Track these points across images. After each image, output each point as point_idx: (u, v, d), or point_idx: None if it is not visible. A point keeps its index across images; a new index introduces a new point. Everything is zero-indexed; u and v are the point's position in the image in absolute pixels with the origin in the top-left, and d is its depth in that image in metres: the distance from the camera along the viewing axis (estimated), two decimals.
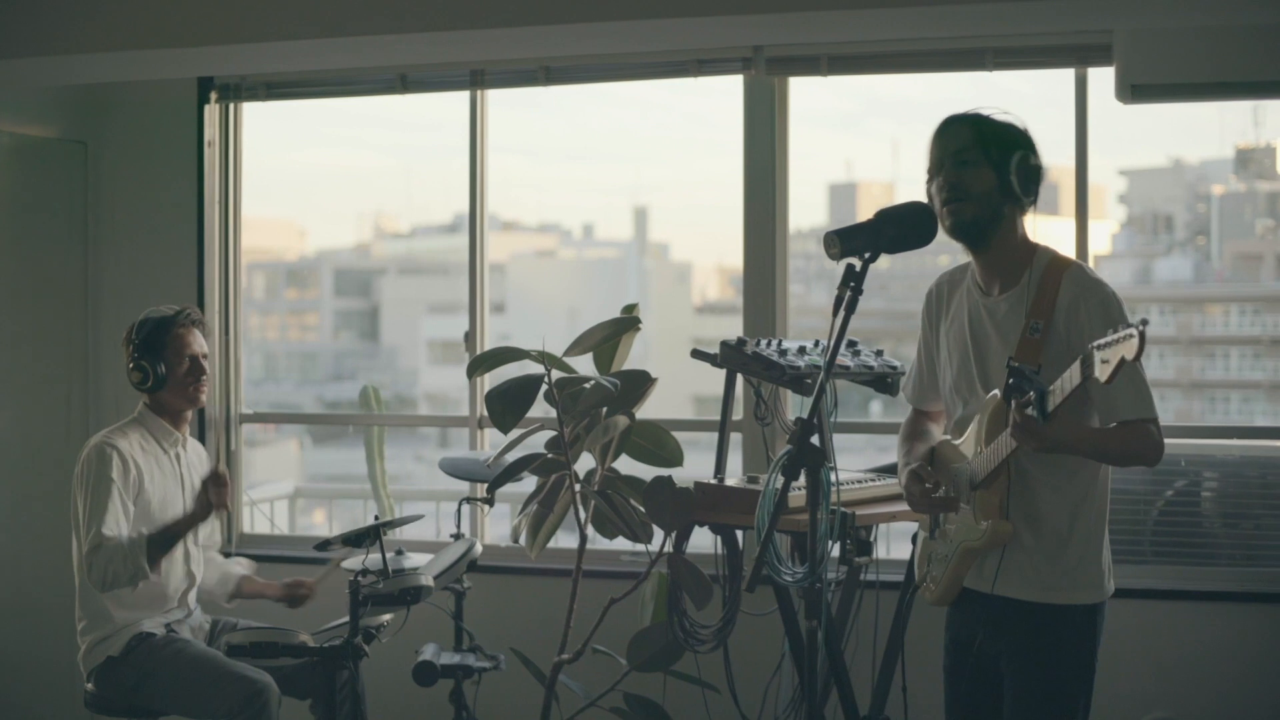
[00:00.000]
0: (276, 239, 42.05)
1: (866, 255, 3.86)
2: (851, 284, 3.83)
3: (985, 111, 4.02)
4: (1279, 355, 35.88)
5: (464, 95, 6.49)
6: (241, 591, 5.79)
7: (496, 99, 6.55)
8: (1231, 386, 36.03)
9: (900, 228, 3.89)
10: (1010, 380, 3.71)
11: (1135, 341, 3.31)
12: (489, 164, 6.51)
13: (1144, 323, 3.37)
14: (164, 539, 5.27)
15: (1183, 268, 37.94)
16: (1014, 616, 3.96)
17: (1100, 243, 36.07)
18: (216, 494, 5.28)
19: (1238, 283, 37.29)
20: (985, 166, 3.93)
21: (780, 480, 3.95)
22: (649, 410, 5.27)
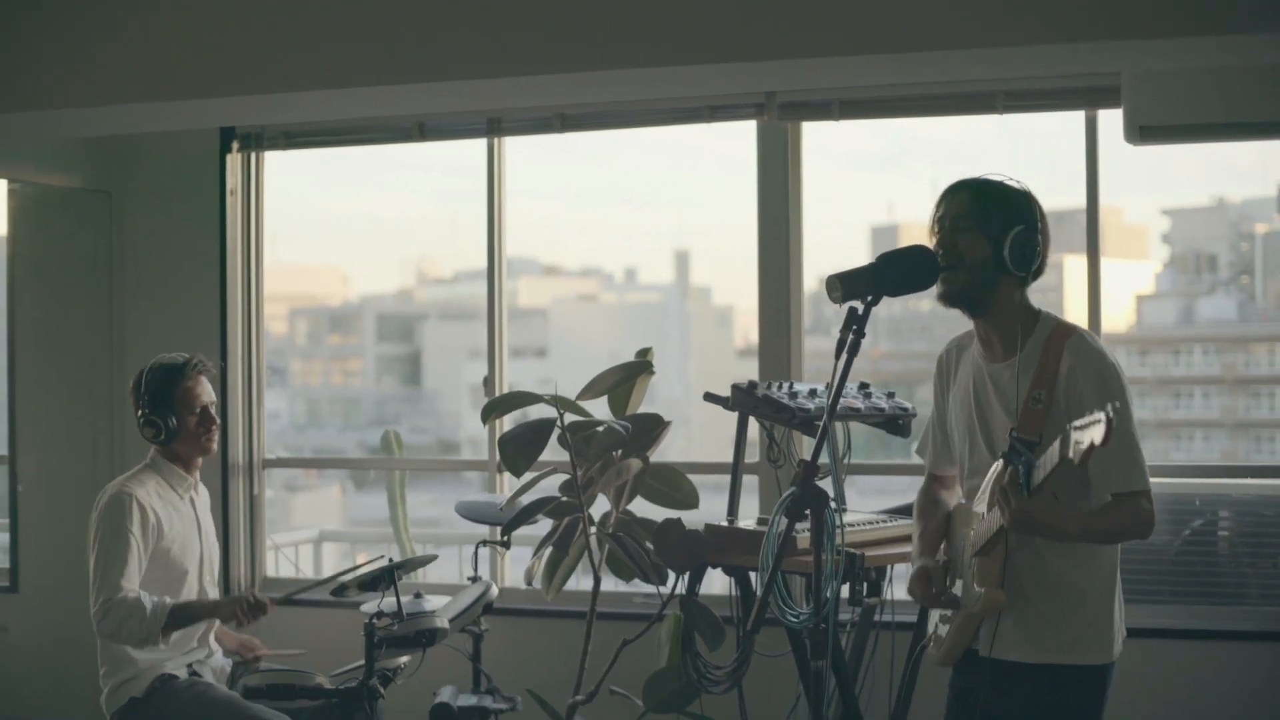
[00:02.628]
0: (320, 285, 42.29)
1: (869, 298, 3.88)
2: (854, 327, 3.84)
3: (994, 178, 4.02)
4: None
5: (481, 143, 6.58)
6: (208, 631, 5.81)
7: (535, 144, 6.66)
8: (1277, 426, 35.82)
9: (902, 271, 3.91)
10: (1007, 453, 3.78)
11: (1102, 428, 3.36)
12: (508, 210, 6.59)
13: (1115, 409, 3.41)
14: (184, 616, 5.29)
15: (1227, 307, 37.77)
16: (1018, 678, 3.94)
17: (1144, 282, 35.95)
18: (247, 616, 5.31)
19: None
20: (980, 236, 3.92)
21: (783, 522, 3.97)
22: (680, 451, 5.32)
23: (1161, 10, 5.12)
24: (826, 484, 4.05)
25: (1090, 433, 3.39)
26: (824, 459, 4.02)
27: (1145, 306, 34.58)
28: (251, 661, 5.64)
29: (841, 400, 4.99)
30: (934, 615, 4.23)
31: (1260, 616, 5.77)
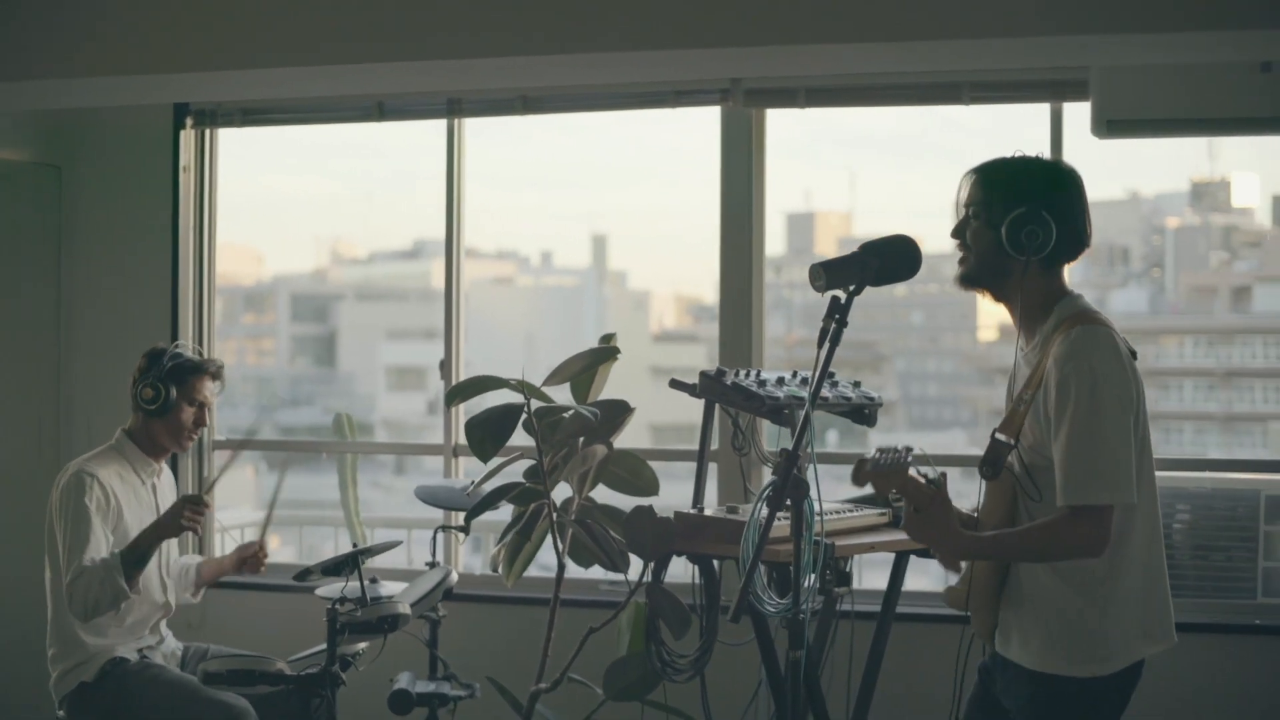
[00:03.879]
0: (235, 264, 41.97)
1: (851, 288, 3.87)
2: (836, 316, 3.83)
3: (1011, 158, 3.93)
4: (1232, 388, 36.12)
5: (431, 123, 6.56)
6: (202, 578, 5.80)
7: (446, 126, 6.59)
8: (1185, 418, 36.23)
9: (885, 260, 3.89)
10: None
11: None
12: (466, 192, 6.52)
13: (934, 481, 3.57)
14: (135, 554, 5.25)
15: (1138, 299, 38.18)
16: (1019, 677, 3.92)
17: None
18: (191, 518, 5.28)
19: (1192, 315, 37.52)
20: (984, 224, 3.87)
21: (765, 511, 3.96)
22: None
23: (1129, 6, 5.16)
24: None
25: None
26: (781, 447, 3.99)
27: None
28: (259, 559, 5.58)
29: (807, 389, 5.01)
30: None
31: (1211, 609, 5.82)
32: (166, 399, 5.43)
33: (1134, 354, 3.84)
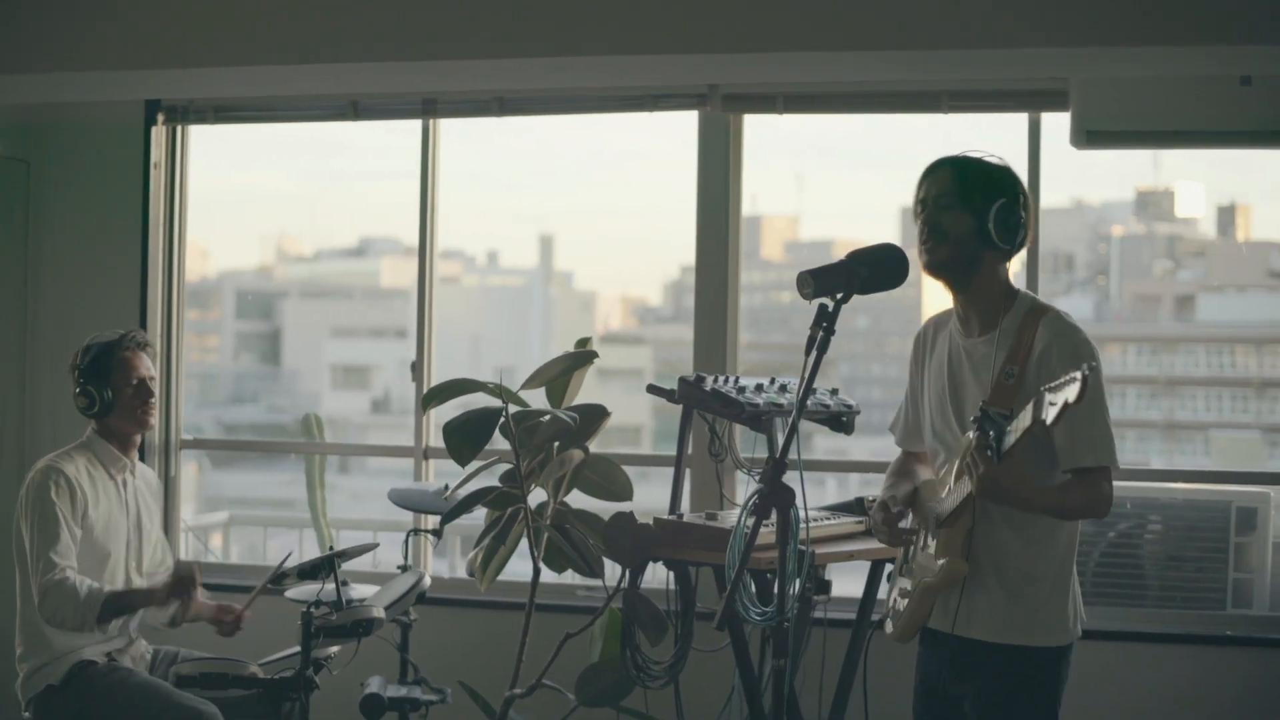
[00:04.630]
0: None
1: (839, 296, 3.89)
2: (824, 324, 3.85)
3: (972, 154, 4.06)
4: (1174, 395, 36.31)
5: (383, 122, 6.54)
6: (184, 613, 5.71)
7: (399, 127, 6.60)
8: (1128, 425, 36.37)
9: (873, 268, 3.94)
10: (975, 421, 3.80)
11: (1077, 386, 3.42)
12: (440, 193, 6.51)
13: (1090, 368, 3.47)
14: (119, 605, 5.23)
15: (1083, 307, 38.33)
16: (976, 657, 4.00)
17: None
18: (185, 594, 5.29)
19: (1136, 323, 37.73)
20: (964, 211, 3.98)
21: (751, 520, 3.96)
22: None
23: (1108, 19, 5.20)
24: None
25: (1065, 392, 3.47)
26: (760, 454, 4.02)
27: None
28: (233, 624, 5.52)
29: (785, 396, 5.03)
30: (892, 591, 4.27)
31: (1182, 620, 5.84)
32: (102, 399, 5.37)
33: None
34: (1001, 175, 4.04)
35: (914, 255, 4.04)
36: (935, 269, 4.04)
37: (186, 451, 6.81)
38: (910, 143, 6.09)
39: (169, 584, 5.31)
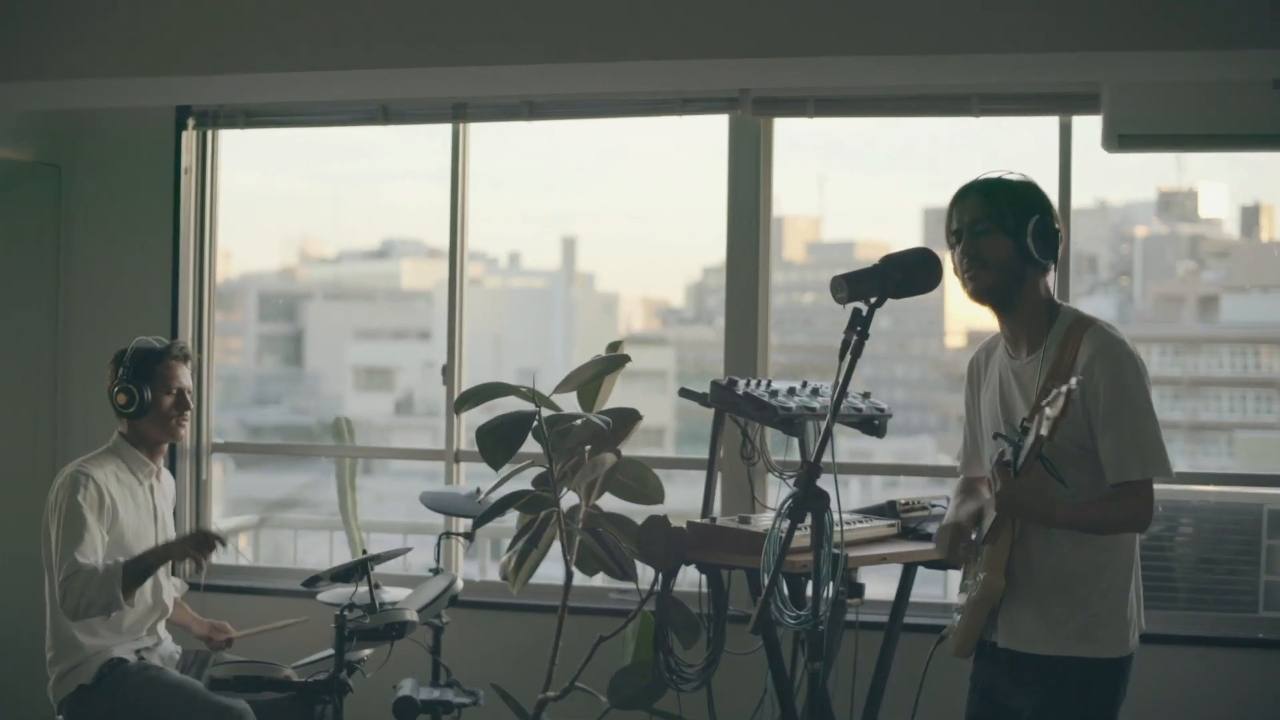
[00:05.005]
0: None
1: (873, 300, 3.90)
2: (858, 328, 3.87)
3: (997, 176, 4.05)
4: (1197, 396, 36.17)
5: (428, 125, 6.56)
6: (170, 616, 5.75)
7: (422, 129, 6.64)
8: None
9: (906, 273, 3.95)
10: (996, 438, 3.91)
11: (1062, 400, 3.51)
12: (470, 197, 6.52)
13: (1077, 381, 3.56)
14: (139, 569, 5.24)
15: (1106, 308, 38.11)
16: (1029, 670, 3.98)
17: None
18: (201, 552, 5.29)
19: (1159, 323, 37.62)
20: (1001, 234, 3.97)
21: (785, 524, 3.97)
22: None
23: (1140, 24, 5.19)
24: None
25: (1054, 406, 3.53)
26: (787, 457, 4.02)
27: None
28: (223, 645, 5.56)
29: (818, 400, 5.03)
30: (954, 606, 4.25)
31: (1214, 622, 5.85)
32: (141, 399, 5.41)
33: None
34: (1028, 191, 4.03)
35: (946, 261, 4.04)
36: (982, 295, 4.03)
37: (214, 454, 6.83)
38: (933, 145, 6.11)
39: (188, 542, 5.34)
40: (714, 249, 6.27)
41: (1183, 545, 5.88)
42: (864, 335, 3.87)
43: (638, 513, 5.13)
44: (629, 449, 5.28)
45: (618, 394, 5.37)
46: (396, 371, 41.92)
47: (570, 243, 45.50)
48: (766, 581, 4.07)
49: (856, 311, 3.89)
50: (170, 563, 5.54)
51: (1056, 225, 4.00)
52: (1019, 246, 3.95)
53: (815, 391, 5.11)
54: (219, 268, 6.82)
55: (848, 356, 3.88)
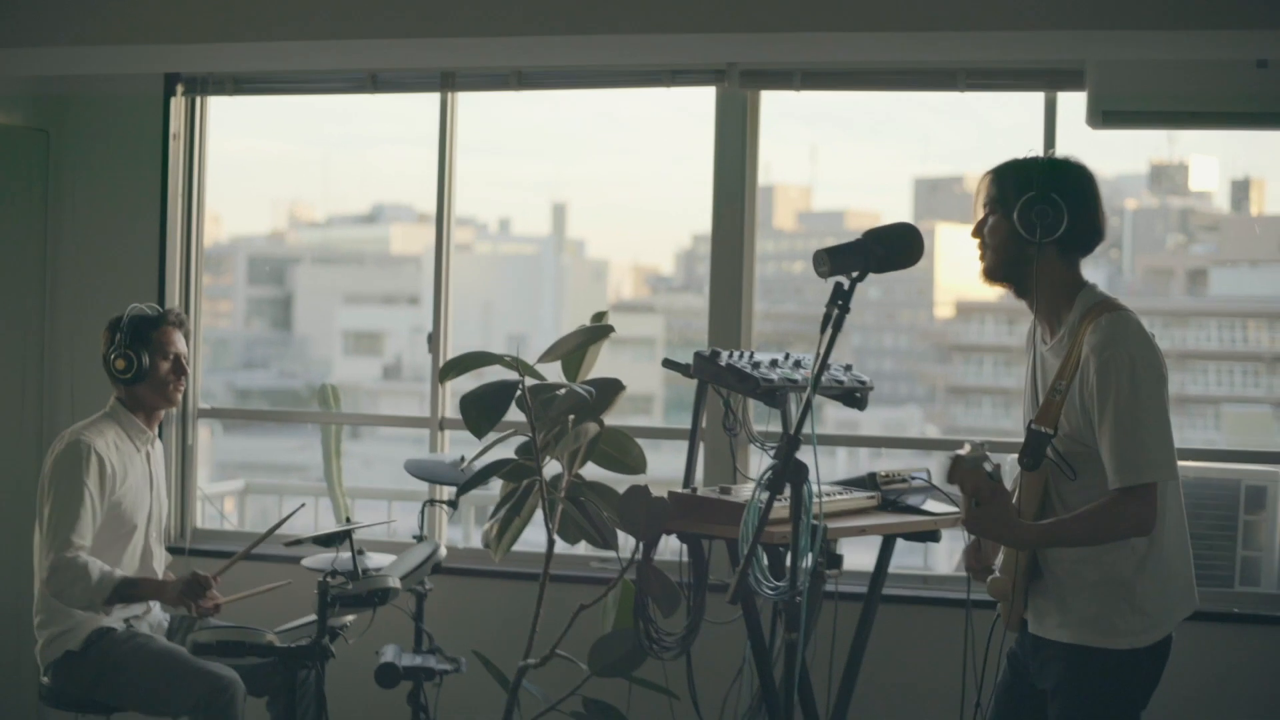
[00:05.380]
0: None
1: (855, 274, 3.93)
2: (839, 302, 3.90)
3: (1021, 157, 4.03)
4: (1185, 369, 36.26)
5: (418, 96, 6.55)
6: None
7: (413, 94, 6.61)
8: None
9: (888, 247, 3.99)
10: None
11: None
12: (458, 165, 6.54)
13: (995, 466, 3.69)
14: (128, 593, 5.29)
15: (1095, 279, 37.84)
16: (1052, 655, 4.00)
17: None
18: (194, 599, 5.31)
19: (1148, 296, 37.67)
20: (1000, 215, 3.96)
21: (764, 495, 4.01)
22: None
23: (1125, 3, 5.21)
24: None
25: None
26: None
27: None
28: (210, 611, 5.59)
29: (800, 372, 5.06)
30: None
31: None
32: (140, 364, 5.45)
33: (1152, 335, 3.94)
34: (1037, 169, 3.96)
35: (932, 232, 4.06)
36: (988, 277, 4.03)
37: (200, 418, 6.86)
38: (924, 114, 6.13)
39: (181, 585, 5.34)
40: (704, 217, 6.28)
41: None
42: (845, 309, 3.91)
43: (621, 482, 5.16)
44: (613, 418, 5.30)
45: (607, 361, 5.40)
46: (385, 336, 41.98)
47: (560, 209, 45.52)
48: (746, 552, 4.10)
49: (839, 285, 3.92)
50: (161, 528, 5.59)
51: (1056, 205, 3.90)
52: (1012, 227, 3.93)
53: (798, 364, 5.14)
54: (208, 231, 6.83)
55: (829, 330, 3.90)
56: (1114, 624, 3.91)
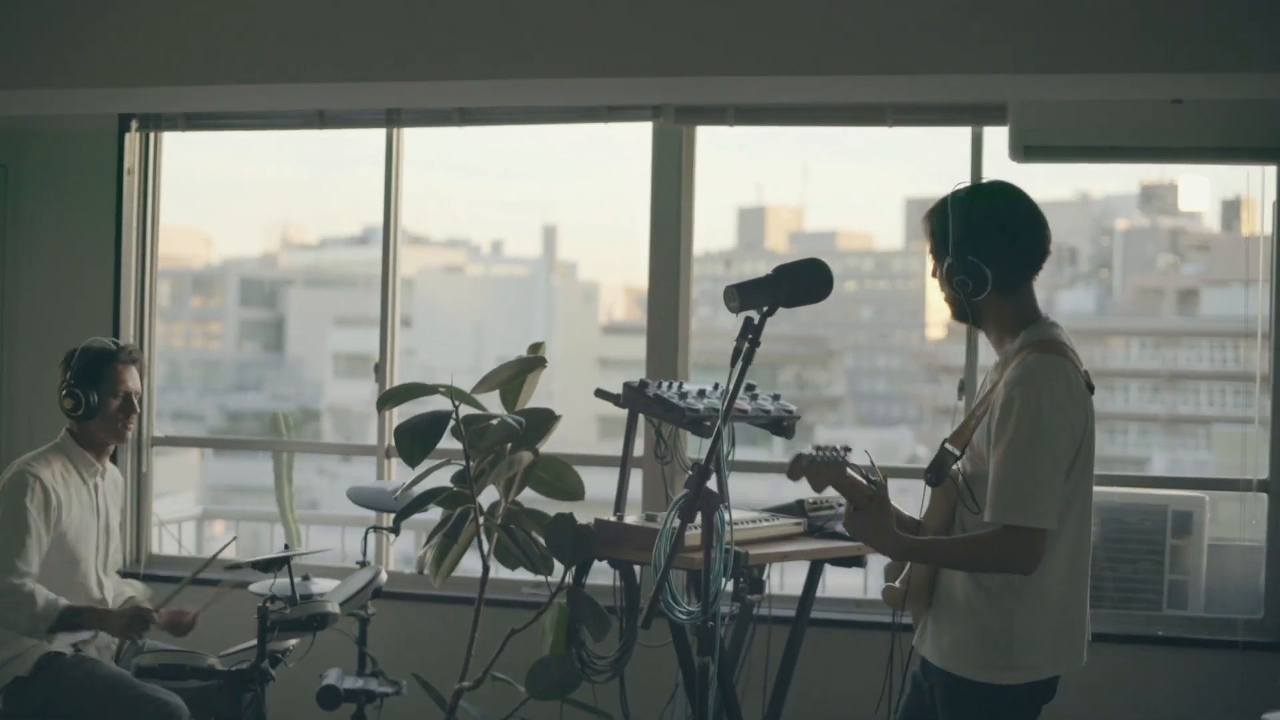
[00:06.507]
0: (183, 246, 41.62)
1: (765, 309, 4.04)
2: (749, 336, 4.00)
3: (954, 193, 3.97)
4: (1177, 390, 36.23)
5: (380, 132, 6.68)
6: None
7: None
8: (1130, 419, 36.29)
9: (797, 283, 4.08)
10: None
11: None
12: (403, 194, 6.66)
13: (875, 483, 3.76)
14: (72, 621, 5.39)
15: (1086, 300, 38.24)
16: (936, 680, 4.03)
17: None
18: (136, 632, 5.45)
19: (1139, 316, 37.66)
20: (945, 257, 3.94)
21: (677, 521, 4.12)
22: (554, 437, 5.40)
23: (1044, 47, 5.34)
24: (714, 483, 4.19)
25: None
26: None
27: None
28: (188, 628, 5.66)
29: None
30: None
31: (1118, 620, 6.02)
32: (89, 403, 5.52)
33: (1091, 388, 3.94)
34: (952, 228, 3.90)
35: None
36: (955, 318, 4.04)
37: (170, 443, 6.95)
38: (916, 135, 6.23)
39: (125, 618, 5.44)
40: (696, 238, 6.40)
41: (1093, 545, 6.03)
42: (755, 343, 4.01)
43: (562, 509, 5.26)
44: (601, 436, 5.40)
45: (597, 381, 5.45)
46: (377, 359, 41.86)
47: (551, 231, 45.57)
48: (658, 579, 4.21)
49: (749, 320, 4.03)
50: (108, 555, 5.69)
51: (974, 261, 3.87)
52: (956, 270, 3.90)
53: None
54: (200, 253, 7.02)
55: (739, 363, 4.01)
56: (982, 657, 3.91)
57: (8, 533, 5.34)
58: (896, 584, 4.10)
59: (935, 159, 5.59)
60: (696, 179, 6.41)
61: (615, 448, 5.39)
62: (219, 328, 43.27)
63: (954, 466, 3.94)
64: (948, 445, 3.92)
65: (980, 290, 3.88)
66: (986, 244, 3.88)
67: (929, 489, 3.99)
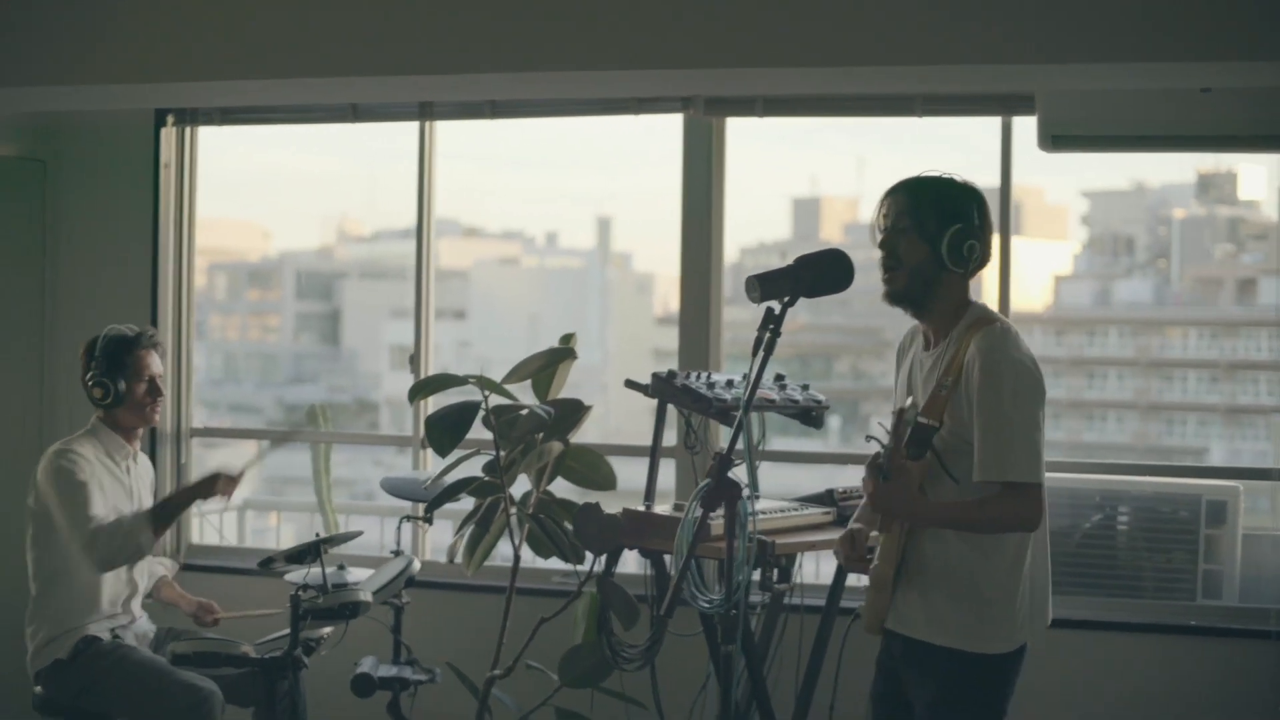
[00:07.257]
0: (240, 240, 41.82)
1: (786, 299, 4.05)
2: (771, 326, 4.01)
3: (930, 175, 4.11)
4: (1235, 380, 35.95)
5: (413, 125, 6.73)
6: (159, 594, 5.96)
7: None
8: (1189, 409, 36.01)
9: (818, 273, 4.07)
10: (868, 439, 4.00)
11: (899, 418, 3.88)
12: (443, 186, 6.71)
13: (910, 402, 3.87)
14: (165, 511, 5.55)
15: (1143, 290, 37.98)
16: (920, 656, 4.07)
17: (1062, 263, 36.06)
18: (226, 486, 5.58)
19: (1196, 306, 37.38)
20: (919, 238, 4.02)
21: (699, 510, 4.14)
22: (596, 417, 5.43)
23: (1072, 36, 5.32)
24: (740, 472, 4.20)
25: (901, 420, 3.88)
26: (741, 446, 4.15)
27: (1063, 287, 34.63)
28: (210, 624, 5.75)
29: (758, 392, 5.18)
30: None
31: (1154, 610, 6.00)
32: (115, 390, 5.62)
33: None
34: (956, 197, 4.06)
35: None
36: (894, 299, 4.10)
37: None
38: (967, 127, 6.21)
39: (208, 482, 5.60)
40: (751, 229, 6.42)
41: (1123, 534, 6.02)
42: (776, 333, 4.02)
43: (596, 498, 5.29)
44: (647, 425, 5.42)
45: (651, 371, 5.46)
46: (431, 350, 41.94)
47: (605, 223, 45.56)
48: (680, 567, 4.23)
49: (770, 310, 4.04)
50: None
51: (976, 239, 4.03)
52: (934, 253, 4.01)
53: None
54: (257, 246, 7.07)
55: (760, 353, 4.02)
56: (987, 629, 3.99)
57: (70, 497, 5.44)
58: (878, 561, 4.13)
59: (992, 150, 5.57)
60: (727, 170, 6.41)
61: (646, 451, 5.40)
62: (276, 320, 43.44)
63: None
64: (923, 419, 3.96)
65: (981, 263, 4.07)
66: (980, 225, 4.06)
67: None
